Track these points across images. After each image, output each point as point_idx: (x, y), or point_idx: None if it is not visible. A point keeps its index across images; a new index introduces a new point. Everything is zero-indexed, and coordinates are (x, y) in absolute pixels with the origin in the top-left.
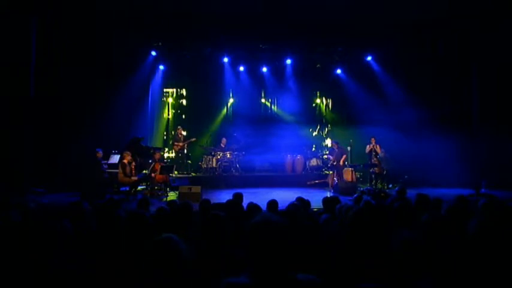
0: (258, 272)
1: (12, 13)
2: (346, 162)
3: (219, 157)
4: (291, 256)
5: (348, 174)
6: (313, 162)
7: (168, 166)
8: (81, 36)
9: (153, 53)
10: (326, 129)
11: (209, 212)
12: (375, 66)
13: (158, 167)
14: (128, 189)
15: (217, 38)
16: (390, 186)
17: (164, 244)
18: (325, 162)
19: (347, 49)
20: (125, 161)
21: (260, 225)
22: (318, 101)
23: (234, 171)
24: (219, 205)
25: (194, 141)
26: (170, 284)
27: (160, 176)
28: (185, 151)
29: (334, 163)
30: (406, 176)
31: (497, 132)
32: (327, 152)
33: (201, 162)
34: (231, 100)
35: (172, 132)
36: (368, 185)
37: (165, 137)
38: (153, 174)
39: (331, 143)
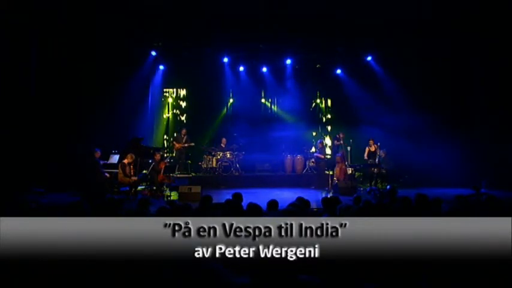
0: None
1: (13, 13)
2: (346, 162)
3: (219, 157)
4: None
5: (337, 171)
6: (313, 162)
7: (170, 166)
8: (82, 36)
9: (153, 53)
10: (325, 128)
11: (209, 209)
12: (375, 66)
13: (163, 166)
14: (127, 189)
15: (217, 38)
16: (388, 187)
17: None
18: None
19: (347, 49)
20: (125, 161)
21: None
22: (318, 101)
23: (234, 171)
24: (219, 205)
25: (193, 146)
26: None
27: (162, 176)
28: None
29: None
30: (406, 176)
31: (498, 132)
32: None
33: (201, 162)
34: (231, 100)
35: (175, 134)
36: (368, 185)
37: (165, 137)
38: (160, 176)
39: (332, 140)
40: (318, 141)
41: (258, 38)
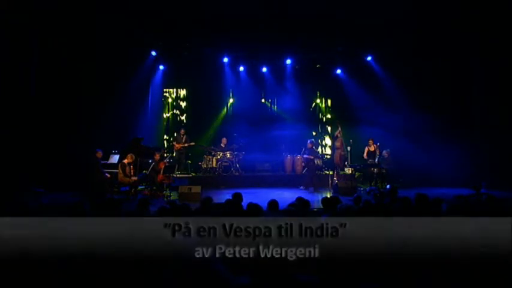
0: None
1: (13, 13)
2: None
3: (219, 157)
4: None
5: (337, 157)
6: (304, 163)
7: (170, 166)
8: (82, 36)
9: (153, 53)
10: (325, 128)
11: (210, 210)
12: (375, 66)
13: (163, 166)
14: (127, 189)
15: (217, 38)
16: (388, 187)
17: None
18: (325, 162)
19: (347, 49)
20: (125, 161)
21: None
22: (318, 101)
23: (234, 171)
24: (219, 205)
25: (193, 145)
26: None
27: (162, 176)
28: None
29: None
30: (406, 176)
31: (498, 132)
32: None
33: (201, 162)
34: (231, 100)
35: (175, 134)
36: (368, 185)
37: (165, 137)
38: (159, 176)
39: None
40: (308, 141)
41: (258, 38)
